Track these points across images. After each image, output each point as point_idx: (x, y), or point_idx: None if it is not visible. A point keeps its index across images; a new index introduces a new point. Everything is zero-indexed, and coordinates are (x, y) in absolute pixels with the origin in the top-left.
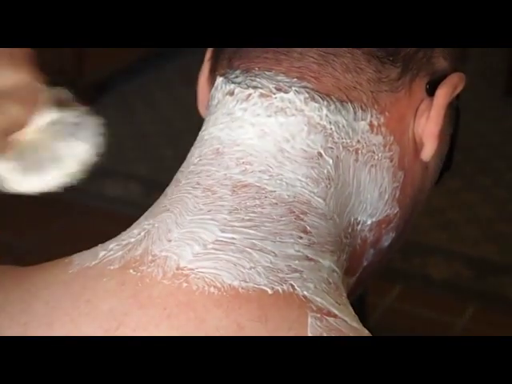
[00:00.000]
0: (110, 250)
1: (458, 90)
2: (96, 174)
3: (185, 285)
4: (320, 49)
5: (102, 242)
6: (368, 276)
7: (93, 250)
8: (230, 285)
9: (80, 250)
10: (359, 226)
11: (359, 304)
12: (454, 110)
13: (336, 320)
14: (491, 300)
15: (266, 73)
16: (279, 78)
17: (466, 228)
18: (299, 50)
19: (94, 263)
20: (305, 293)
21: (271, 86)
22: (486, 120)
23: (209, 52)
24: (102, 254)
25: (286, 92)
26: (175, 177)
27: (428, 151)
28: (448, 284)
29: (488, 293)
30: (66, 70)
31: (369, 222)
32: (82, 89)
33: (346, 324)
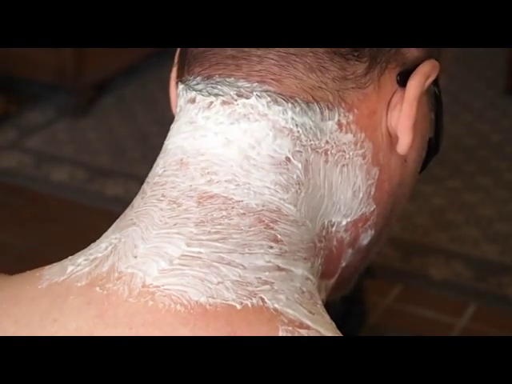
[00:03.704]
0: (78, 265)
1: (432, 79)
2: (96, 173)
3: (151, 303)
4: (280, 50)
5: None
6: (351, 275)
7: (62, 263)
8: (196, 301)
9: (80, 250)
10: (334, 228)
11: (359, 304)
12: (433, 97)
13: (309, 332)
14: (491, 300)
15: (227, 79)
16: (240, 83)
17: (466, 228)
18: (258, 52)
19: (62, 279)
20: (276, 305)
21: (232, 92)
22: (486, 120)
23: (176, 56)
24: (70, 269)
25: (248, 97)
26: (142, 188)
27: (403, 145)
28: (448, 284)
29: (488, 293)
30: (65, 70)
31: (344, 223)
32: (82, 89)
33: (320, 335)
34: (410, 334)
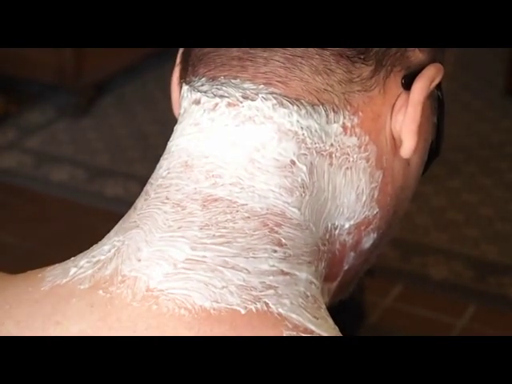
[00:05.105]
0: (81, 268)
1: (436, 82)
2: (96, 173)
3: (155, 307)
4: (286, 52)
5: None
6: (353, 278)
7: (64, 264)
8: (201, 306)
9: (80, 250)
10: (337, 231)
11: (359, 304)
12: (436, 101)
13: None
14: (491, 300)
15: (232, 81)
16: (245, 85)
17: (466, 228)
18: (264, 54)
19: (64, 281)
20: (280, 310)
21: (238, 94)
22: (486, 120)
23: (179, 56)
24: (72, 271)
25: (253, 100)
26: (144, 189)
27: (407, 148)
28: (448, 284)
29: (488, 293)
30: (65, 70)
31: (347, 226)
32: (82, 89)
33: None
34: (409, 334)
